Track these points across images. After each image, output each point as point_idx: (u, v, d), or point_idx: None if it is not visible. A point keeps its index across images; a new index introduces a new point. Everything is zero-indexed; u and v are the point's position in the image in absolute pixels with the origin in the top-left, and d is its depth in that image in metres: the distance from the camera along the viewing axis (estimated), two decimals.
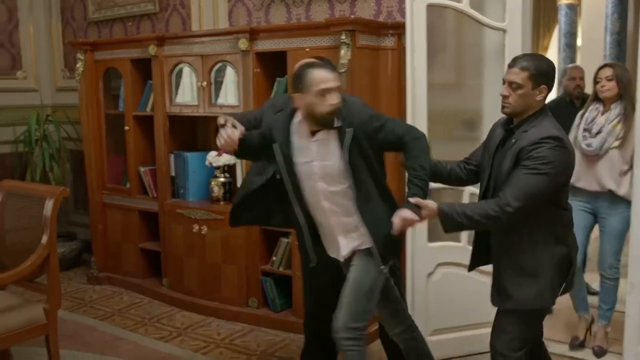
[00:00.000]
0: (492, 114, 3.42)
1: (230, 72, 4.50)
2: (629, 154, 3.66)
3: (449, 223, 2.64)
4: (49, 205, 3.42)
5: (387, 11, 4.30)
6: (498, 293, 2.77)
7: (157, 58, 4.76)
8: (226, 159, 4.59)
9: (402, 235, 2.91)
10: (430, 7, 3.61)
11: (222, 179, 4.68)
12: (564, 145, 2.58)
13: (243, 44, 4.24)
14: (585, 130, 3.88)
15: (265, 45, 4.23)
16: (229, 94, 4.52)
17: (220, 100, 4.55)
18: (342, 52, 3.81)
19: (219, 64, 4.51)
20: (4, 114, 6.04)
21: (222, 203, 4.66)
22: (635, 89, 3.45)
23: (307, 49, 4.01)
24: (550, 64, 2.69)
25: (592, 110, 3.92)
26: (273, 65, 4.31)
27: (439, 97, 3.77)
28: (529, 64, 2.63)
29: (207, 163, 4.67)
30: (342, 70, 3.81)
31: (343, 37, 3.80)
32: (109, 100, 5.37)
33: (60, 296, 3.49)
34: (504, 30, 3.62)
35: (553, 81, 2.69)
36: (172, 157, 4.87)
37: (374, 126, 2.84)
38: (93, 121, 5.31)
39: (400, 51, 4.01)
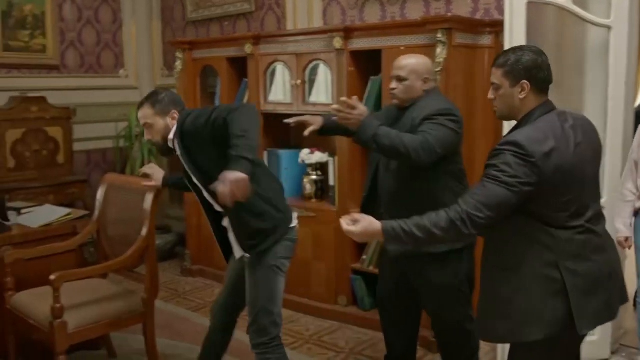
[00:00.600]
0: (594, 114, 3.30)
1: (322, 71, 4.53)
2: None
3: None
4: (149, 198, 3.55)
5: (484, 9, 4.21)
6: None
7: (252, 56, 4.85)
8: (319, 156, 4.63)
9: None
10: (530, 4, 3.52)
11: (314, 177, 4.72)
12: (525, 154, 2.17)
13: (338, 42, 4.26)
14: None
15: (360, 43, 4.23)
16: (321, 93, 4.55)
17: (312, 99, 4.59)
18: (438, 50, 3.77)
19: (313, 63, 4.54)
20: (106, 111, 6.32)
21: (314, 200, 4.70)
22: None
23: (402, 48, 3.98)
24: (532, 56, 2.29)
25: None
26: (367, 64, 4.31)
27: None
28: (504, 60, 2.33)
29: (299, 160, 4.72)
30: (438, 69, 3.76)
31: (439, 35, 3.75)
32: (205, 98, 5.51)
33: (157, 286, 3.60)
34: (609, 27, 3.49)
35: (538, 75, 2.29)
36: (265, 154, 4.94)
37: (200, 124, 2.83)
38: None
39: (497, 50, 3.93)
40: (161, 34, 6.60)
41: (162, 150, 3.08)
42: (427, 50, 3.86)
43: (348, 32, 4.25)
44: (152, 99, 3.05)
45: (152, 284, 3.54)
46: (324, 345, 4.17)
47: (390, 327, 3.43)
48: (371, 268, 4.37)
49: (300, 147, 4.91)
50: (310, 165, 4.70)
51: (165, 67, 6.59)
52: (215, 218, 3.14)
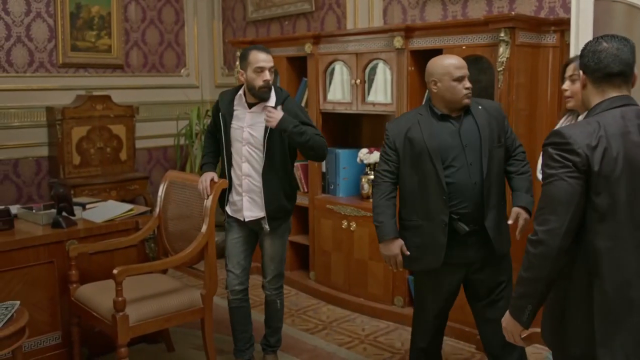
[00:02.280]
0: None
1: (381, 70, 4.51)
2: None
3: None
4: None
5: (549, 7, 4.12)
6: None
7: (312, 56, 4.87)
8: (377, 156, 4.60)
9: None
10: (598, 1, 3.42)
11: (372, 176, 4.69)
12: (564, 142, 1.98)
13: (398, 41, 4.24)
14: None
15: (421, 43, 4.20)
16: (379, 92, 4.53)
17: (370, 98, 4.57)
18: (501, 50, 3.70)
19: (373, 62, 4.53)
20: (168, 109, 6.44)
21: (371, 200, 4.67)
22: None
23: (464, 47, 3.93)
24: (597, 45, 2.06)
25: (564, 124, 3.02)
26: (427, 62, 4.26)
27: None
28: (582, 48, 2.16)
29: (358, 160, 4.71)
30: (500, 69, 3.70)
31: (502, 34, 3.69)
32: None
33: (216, 283, 3.64)
34: None
35: (590, 65, 2.06)
36: None
37: (300, 119, 3.49)
38: None
39: (562, 49, 3.84)
40: (222, 34, 6.68)
41: (263, 94, 3.47)
42: (489, 49, 3.81)
43: (409, 32, 4.22)
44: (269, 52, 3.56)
45: (211, 281, 3.59)
46: (380, 345, 4.16)
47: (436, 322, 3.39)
48: None
49: (359, 146, 4.91)
50: (369, 164, 4.68)
51: (225, 66, 6.67)
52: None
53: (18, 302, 3.21)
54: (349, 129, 5.21)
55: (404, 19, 4.90)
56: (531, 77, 3.89)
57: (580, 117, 2.82)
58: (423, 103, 4.22)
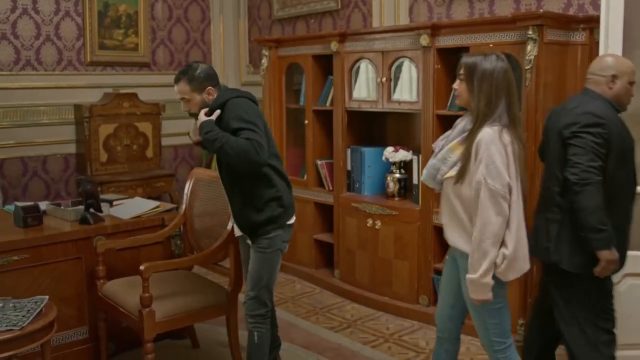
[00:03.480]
0: None
1: (406, 68, 4.49)
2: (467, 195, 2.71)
3: None
4: None
5: (577, 4, 4.08)
6: None
7: (338, 54, 4.86)
8: (403, 155, 4.59)
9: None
10: None
11: (397, 175, 4.69)
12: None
13: (424, 39, 4.21)
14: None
15: (447, 41, 4.17)
16: (405, 90, 4.51)
17: (396, 96, 4.56)
18: (529, 47, 3.67)
19: (399, 60, 4.51)
20: None
21: (396, 199, 4.68)
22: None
23: (491, 45, 3.90)
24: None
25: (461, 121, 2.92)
26: (454, 61, 4.23)
27: (635, 96, 3.49)
28: None
29: (383, 158, 4.70)
30: (528, 67, 3.67)
31: (530, 32, 3.65)
32: (290, 95, 5.57)
33: (241, 280, 3.65)
34: None
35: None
36: (349, 151, 4.95)
37: (230, 127, 3.06)
38: (275, 114, 5.52)
39: (591, 47, 3.79)
40: (247, 32, 6.70)
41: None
42: (517, 47, 3.78)
43: (435, 29, 4.20)
44: (188, 75, 3.19)
45: (236, 278, 3.60)
46: (404, 344, 4.14)
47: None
48: None
49: (384, 144, 4.89)
50: (394, 163, 4.67)
51: (250, 64, 6.69)
52: None
53: (47, 297, 3.25)
54: (374, 127, 5.20)
55: (430, 17, 4.87)
56: (559, 76, 3.85)
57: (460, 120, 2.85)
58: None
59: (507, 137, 2.65)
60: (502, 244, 2.65)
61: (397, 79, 4.56)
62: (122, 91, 5.83)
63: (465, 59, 2.76)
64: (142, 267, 3.25)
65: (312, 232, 5.34)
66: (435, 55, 4.23)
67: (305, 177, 5.37)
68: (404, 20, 5.05)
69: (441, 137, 2.92)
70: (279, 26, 6.29)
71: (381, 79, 4.57)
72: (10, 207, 4.06)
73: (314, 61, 5.19)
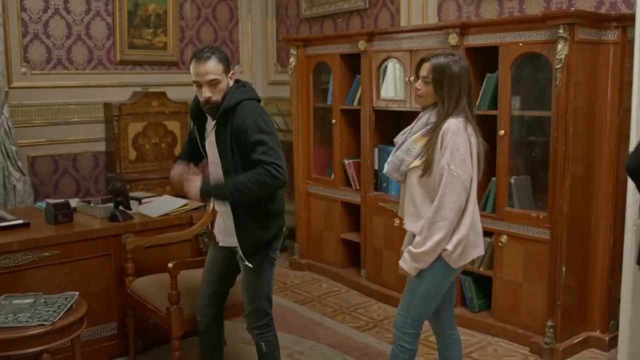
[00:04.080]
0: None
1: None
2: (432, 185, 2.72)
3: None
4: None
5: (610, 2, 4.02)
6: None
7: (366, 53, 4.85)
8: None
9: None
10: None
11: None
12: None
13: (453, 38, 4.19)
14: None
15: (476, 40, 4.14)
16: None
17: None
18: (559, 46, 3.62)
19: None
20: None
21: None
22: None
23: (521, 44, 3.87)
24: None
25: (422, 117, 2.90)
26: (483, 60, 4.21)
27: None
28: None
29: None
30: (558, 66, 3.63)
31: (561, 30, 3.61)
32: (317, 94, 5.57)
33: None
34: None
35: None
36: (376, 150, 4.94)
37: (247, 139, 2.82)
38: (302, 113, 5.53)
39: (624, 45, 3.74)
40: (275, 31, 6.72)
41: (213, 111, 2.92)
42: (547, 46, 3.74)
43: (464, 28, 4.17)
44: (218, 54, 2.88)
45: None
46: (431, 345, 4.11)
47: None
48: (482, 269, 4.28)
49: None
50: None
51: (278, 63, 6.71)
52: None
53: (77, 292, 3.29)
54: (401, 126, 5.15)
55: (458, 16, 4.84)
56: (590, 75, 3.80)
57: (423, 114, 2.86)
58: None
59: (470, 129, 2.72)
60: (456, 230, 2.69)
61: None
62: (151, 90, 5.88)
63: (434, 62, 2.76)
64: (170, 265, 3.27)
65: (339, 232, 5.34)
66: (464, 55, 4.20)
67: (332, 176, 5.37)
68: (432, 19, 5.03)
69: (401, 133, 2.94)
70: (307, 25, 6.29)
71: (409, 78, 4.55)
72: (42, 204, 4.12)
73: (342, 60, 5.18)
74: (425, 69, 2.77)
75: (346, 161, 5.23)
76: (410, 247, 2.75)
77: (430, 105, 2.81)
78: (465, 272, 4.38)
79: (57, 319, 2.97)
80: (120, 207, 3.83)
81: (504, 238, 4.08)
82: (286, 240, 6.30)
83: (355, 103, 5.10)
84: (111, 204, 3.89)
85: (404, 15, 5.27)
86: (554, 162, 3.77)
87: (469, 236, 2.74)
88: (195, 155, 3.21)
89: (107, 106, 5.76)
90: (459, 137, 2.66)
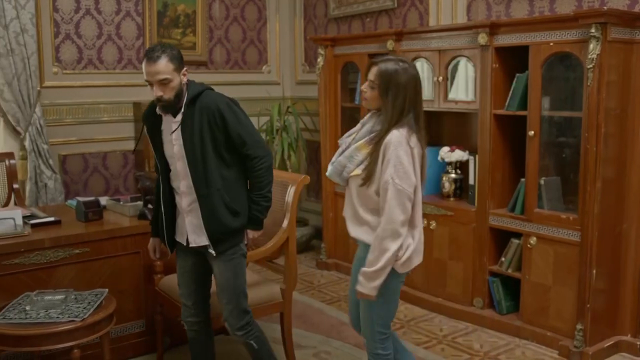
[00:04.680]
0: None
1: (462, 67, 4.44)
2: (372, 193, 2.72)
3: None
4: (291, 191, 3.62)
5: None
6: None
7: (394, 53, 4.83)
8: (459, 155, 4.54)
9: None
10: None
11: (453, 175, 4.64)
12: None
13: (482, 38, 4.15)
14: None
15: (506, 39, 4.10)
16: (460, 89, 4.46)
17: (451, 96, 4.51)
18: (591, 46, 3.58)
19: (456, 59, 4.46)
20: (250, 105, 6.50)
21: (452, 199, 4.63)
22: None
23: (552, 44, 3.83)
24: None
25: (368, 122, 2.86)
26: (512, 60, 4.17)
27: None
28: None
29: (439, 158, 4.66)
30: (590, 66, 3.58)
31: (593, 30, 3.56)
32: (345, 94, 5.57)
33: (296, 278, 3.67)
34: None
35: None
36: None
37: (221, 116, 2.89)
38: (330, 113, 5.53)
39: None
40: (303, 31, 6.73)
41: (166, 108, 2.93)
42: (579, 46, 3.69)
43: (494, 28, 4.14)
44: (169, 52, 2.87)
45: (291, 275, 3.62)
46: (458, 346, 4.10)
47: None
48: (510, 271, 4.24)
49: (439, 144, 4.85)
50: (450, 163, 4.62)
51: (306, 62, 6.71)
52: (172, 198, 3.11)
53: (106, 289, 3.34)
54: (429, 126, 5.12)
55: (488, 15, 4.80)
56: (623, 75, 3.74)
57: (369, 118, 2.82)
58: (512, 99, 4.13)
59: (413, 140, 2.68)
60: (407, 240, 2.70)
61: (452, 78, 4.51)
62: None
63: (382, 68, 2.71)
64: None
65: None
66: (494, 54, 4.17)
67: None
68: (461, 19, 4.99)
69: (347, 134, 2.90)
70: (335, 25, 6.29)
71: (438, 78, 4.53)
72: (72, 202, 4.18)
73: (370, 60, 5.16)
74: (372, 73, 2.73)
75: None
76: (364, 269, 2.70)
77: (377, 108, 2.77)
78: (494, 274, 4.35)
79: (87, 316, 3.01)
80: (149, 206, 3.86)
81: (533, 240, 4.05)
82: (313, 240, 6.32)
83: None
84: (140, 202, 3.93)
85: (432, 14, 5.25)
86: (585, 164, 3.72)
87: (417, 244, 2.76)
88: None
89: (136, 105, 5.81)
90: (401, 150, 2.63)
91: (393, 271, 2.73)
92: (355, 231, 2.85)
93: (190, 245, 3.07)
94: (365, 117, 2.85)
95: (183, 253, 3.16)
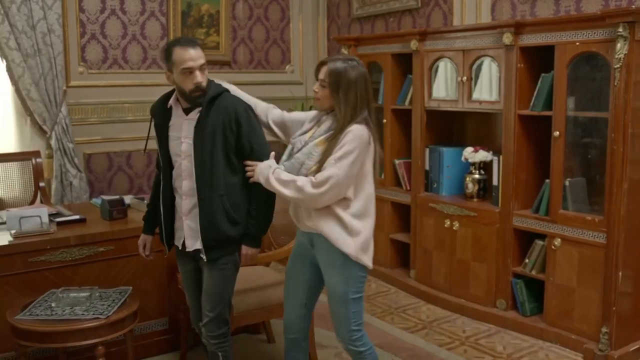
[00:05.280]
0: None
1: (486, 67, 4.41)
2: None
3: None
4: None
5: None
6: None
7: (418, 53, 4.81)
8: (483, 155, 4.51)
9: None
10: None
11: (477, 176, 4.61)
12: None
13: (507, 38, 4.12)
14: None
15: (531, 39, 4.07)
16: (484, 89, 4.43)
17: (475, 96, 4.48)
18: (618, 46, 3.53)
19: (480, 59, 4.43)
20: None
21: (475, 200, 4.60)
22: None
23: (577, 43, 3.79)
24: None
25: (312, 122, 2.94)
26: (537, 60, 4.14)
27: None
28: None
29: (462, 159, 4.63)
30: (617, 66, 3.54)
31: (620, 29, 3.51)
32: None
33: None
34: None
35: None
36: (427, 150, 4.90)
37: (237, 121, 2.87)
38: None
39: None
40: (326, 31, 6.73)
41: (192, 99, 2.88)
42: (605, 45, 3.65)
43: (519, 27, 4.10)
44: (198, 44, 2.89)
45: None
46: (481, 348, 4.07)
47: None
48: (534, 273, 4.20)
49: (463, 144, 4.83)
50: (474, 163, 4.59)
51: None
52: (172, 198, 3.05)
53: (130, 287, 3.36)
54: (453, 127, 5.13)
55: (513, 15, 4.76)
56: None
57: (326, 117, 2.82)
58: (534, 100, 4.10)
59: (371, 135, 2.73)
60: (361, 233, 2.78)
61: (476, 78, 4.48)
62: None
63: (331, 66, 2.74)
64: None
65: (388, 232, 5.31)
66: (519, 54, 4.13)
67: (382, 176, 5.35)
68: (485, 18, 4.96)
69: (300, 133, 2.89)
70: (358, 25, 6.28)
71: (462, 78, 4.50)
72: (97, 201, 4.22)
73: (393, 60, 5.16)
74: (322, 73, 2.76)
75: (397, 161, 5.21)
76: (283, 174, 2.75)
77: (330, 108, 2.80)
78: (517, 275, 4.31)
79: (111, 313, 3.04)
80: None
81: (557, 241, 4.01)
82: None
83: (407, 103, 5.07)
84: None
85: (456, 14, 5.22)
86: (611, 165, 3.68)
87: (369, 237, 2.84)
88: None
89: None
90: (356, 142, 2.67)
91: (361, 266, 2.82)
92: (313, 223, 2.80)
93: (187, 250, 3.02)
94: (320, 116, 2.86)
95: (182, 258, 3.13)
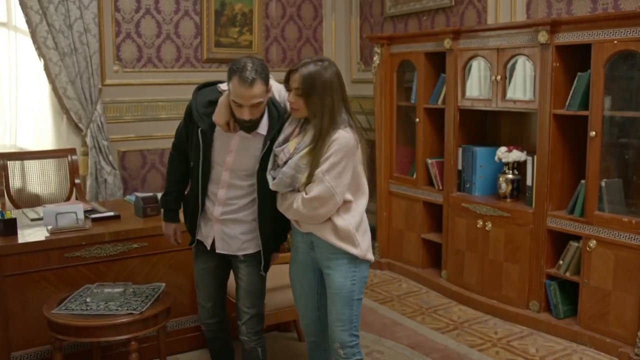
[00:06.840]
0: None
1: (520, 66, 4.36)
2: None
3: None
4: None
5: None
6: None
7: (451, 51, 4.78)
8: (517, 155, 4.46)
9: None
10: None
11: (510, 176, 4.56)
12: None
13: (543, 36, 4.07)
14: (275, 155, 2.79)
15: (567, 37, 4.01)
16: (518, 89, 4.38)
17: (509, 95, 4.43)
18: None
19: (515, 58, 4.38)
20: None
21: (509, 200, 4.55)
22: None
23: (615, 42, 3.72)
24: None
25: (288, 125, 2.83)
26: (573, 58, 4.08)
27: None
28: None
29: (496, 158, 4.58)
30: None
31: None
32: (401, 92, 5.53)
33: None
34: None
35: None
36: (460, 150, 4.86)
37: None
38: (385, 112, 5.50)
39: None
40: (359, 30, 6.71)
41: (250, 129, 2.79)
42: None
43: (555, 26, 4.04)
44: (262, 72, 2.68)
45: None
46: (513, 350, 4.03)
47: None
48: (568, 274, 4.15)
49: (496, 144, 4.78)
50: (507, 163, 4.54)
51: (361, 61, 6.70)
52: (200, 195, 3.00)
53: (163, 284, 3.40)
54: (486, 126, 5.08)
55: (548, 13, 4.70)
56: None
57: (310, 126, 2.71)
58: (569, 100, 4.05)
59: (357, 137, 2.67)
60: (359, 232, 2.77)
61: (510, 77, 4.44)
62: None
63: (304, 72, 2.62)
64: None
65: (420, 232, 5.29)
66: (554, 53, 4.08)
67: (414, 176, 5.32)
68: (520, 17, 4.90)
69: (282, 138, 2.77)
70: (391, 23, 6.26)
71: (496, 77, 4.46)
72: (131, 198, 4.27)
73: (426, 59, 5.13)
74: (295, 81, 2.64)
75: (429, 161, 5.17)
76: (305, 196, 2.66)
77: (309, 117, 2.70)
78: (551, 277, 4.26)
79: (145, 309, 3.07)
80: None
81: (592, 243, 3.95)
82: None
83: (440, 102, 5.04)
84: None
85: (490, 12, 5.17)
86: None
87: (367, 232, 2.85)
88: (186, 175, 3.13)
89: None
90: (344, 150, 2.60)
91: (367, 263, 2.83)
92: (316, 229, 2.76)
93: (217, 251, 3.02)
94: (301, 122, 2.76)
95: (204, 255, 3.10)
